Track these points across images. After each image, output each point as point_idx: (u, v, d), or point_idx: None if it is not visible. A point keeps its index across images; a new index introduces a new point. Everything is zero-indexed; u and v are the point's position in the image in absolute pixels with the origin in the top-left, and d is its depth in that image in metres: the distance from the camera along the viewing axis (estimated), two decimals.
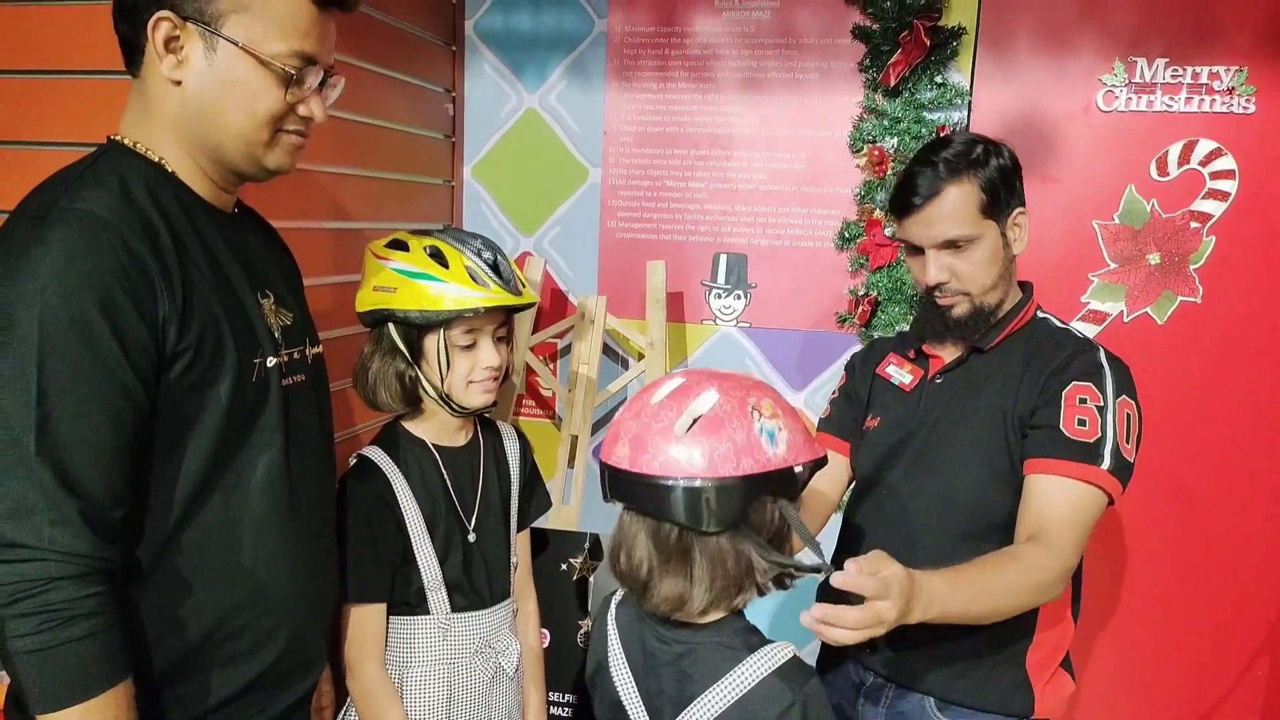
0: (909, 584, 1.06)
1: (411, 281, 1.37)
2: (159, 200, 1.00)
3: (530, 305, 1.49)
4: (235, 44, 0.99)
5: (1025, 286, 1.52)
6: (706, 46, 2.28)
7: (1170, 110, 2.05)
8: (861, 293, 2.22)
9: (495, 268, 1.41)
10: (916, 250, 1.46)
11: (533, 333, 2.35)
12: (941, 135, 1.42)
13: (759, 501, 1.06)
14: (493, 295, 1.38)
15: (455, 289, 1.36)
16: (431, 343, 1.40)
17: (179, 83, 1.01)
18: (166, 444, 1.01)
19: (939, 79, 2.12)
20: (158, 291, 0.96)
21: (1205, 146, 2.04)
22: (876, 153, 2.16)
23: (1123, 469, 1.33)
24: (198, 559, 1.04)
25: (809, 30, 2.21)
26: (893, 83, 2.11)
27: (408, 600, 1.43)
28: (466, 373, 1.42)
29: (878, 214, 2.19)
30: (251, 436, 1.07)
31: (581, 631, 1.93)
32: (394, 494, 1.41)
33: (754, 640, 1.11)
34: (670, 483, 1.02)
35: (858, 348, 2.25)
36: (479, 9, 2.40)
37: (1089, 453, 1.32)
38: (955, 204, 1.39)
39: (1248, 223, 2.04)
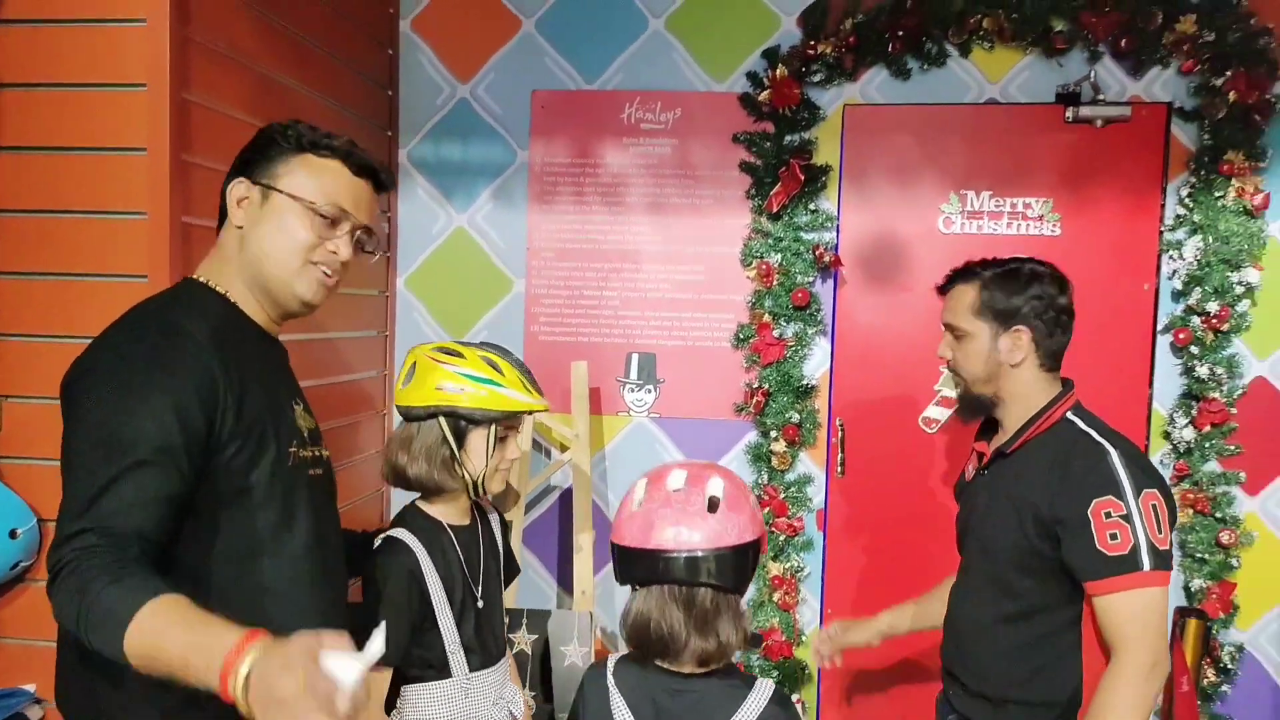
0: None
1: (478, 384, 1.63)
2: (226, 323, 1.27)
3: (546, 410, 1.74)
4: (284, 193, 1.29)
5: (1067, 384, 1.69)
6: (617, 175, 2.63)
7: (995, 233, 2.52)
8: (755, 385, 2.57)
9: (531, 379, 1.69)
10: (948, 329, 1.73)
11: None
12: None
13: None
14: (536, 401, 1.66)
15: (512, 393, 1.63)
16: (480, 436, 1.64)
17: (241, 227, 1.30)
18: (226, 515, 1.22)
19: (812, 206, 2.54)
20: (219, 392, 1.19)
21: None
22: (764, 266, 2.54)
23: (1161, 559, 1.51)
24: (249, 614, 1.17)
25: (704, 164, 2.60)
26: (775, 210, 2.51)
27: (431, 664, 1.60)
28: (498, 463, 1.67)
29: (766, 318, 2.55)
30: (293, 513, 1.29)
31: None
32: (421, 570, 1.61)
33: (746, 677, 1.33)
34: (712, 552, 1.25)
35: (753, 433, 2.60)
36: (412, 140, 2.69)
37: (1128, 563, 1.50)
38: (957, 298, 1.69)
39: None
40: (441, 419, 1.63)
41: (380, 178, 1.38)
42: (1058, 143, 2.49)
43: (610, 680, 1.36)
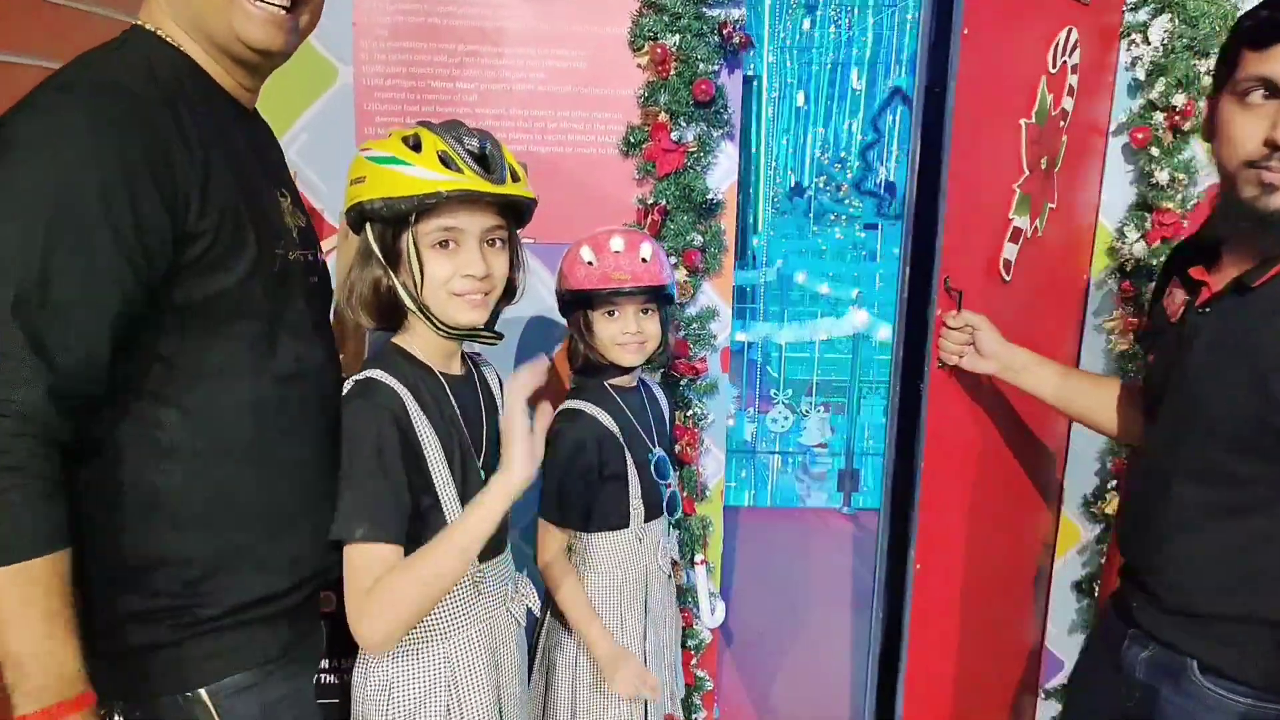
0: None
1: (379, 167, 1.23)
2: (183, 84, 1.05)
3: (519, 198, 1.31)
4: None
5: None
6: None
7: None
8: (650, 201, 2.12)
9: (481, 157, 1.25)
10: (1271, 95, 1.14)
11: None
12: None
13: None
14: (462, 179, 1.21)
15: (420, 172, 1.21)
16: (405, 242, 1.26)
17: None
18: (194, 326, 1.04)
19: None
20: (176, 169, 0.98)
21: (1072, 35, 1.89)
22: (659, 51, 2.03)
23: None
24: (214, 453, 1.07)
25: None
26: None
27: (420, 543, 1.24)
28: (445, 279, 1.27)
29: (662, 117, 2.07)
30: (277, 327, 1.11)
31: None
32: (409, 417, 1.24)
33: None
34: None
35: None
36: None
37: None
38: None
39: (1076, 118, 1.99)
40: (369, 226, 1.26)
41: None
42: None
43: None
